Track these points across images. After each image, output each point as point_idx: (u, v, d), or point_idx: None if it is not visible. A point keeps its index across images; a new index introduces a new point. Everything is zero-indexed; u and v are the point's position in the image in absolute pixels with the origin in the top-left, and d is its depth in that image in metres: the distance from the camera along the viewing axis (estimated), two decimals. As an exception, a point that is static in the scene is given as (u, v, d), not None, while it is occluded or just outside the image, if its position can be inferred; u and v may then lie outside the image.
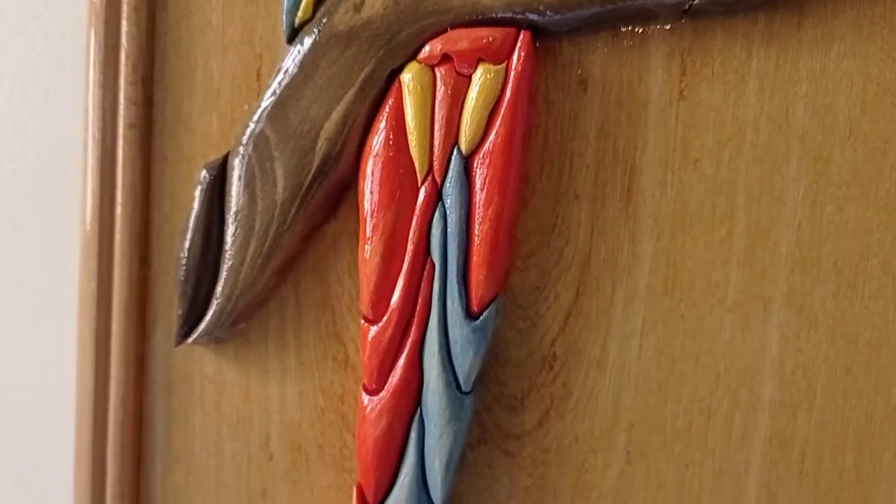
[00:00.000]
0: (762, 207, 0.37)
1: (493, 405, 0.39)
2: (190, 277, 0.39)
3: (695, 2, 0.35)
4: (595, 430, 0.39)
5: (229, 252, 0.38)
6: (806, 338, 0.37)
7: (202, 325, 0.39)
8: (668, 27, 0.37)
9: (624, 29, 0.37)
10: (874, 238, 0.36)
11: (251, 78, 0.39)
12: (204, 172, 0.39)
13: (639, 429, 0.39)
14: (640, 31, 0.37)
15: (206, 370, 0.41)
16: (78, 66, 0.40)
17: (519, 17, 0.36)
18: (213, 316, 0.39)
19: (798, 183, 0.37)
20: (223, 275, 0.38)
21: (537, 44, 0.36)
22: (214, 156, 0.39)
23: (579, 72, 0.37)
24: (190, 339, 0.40)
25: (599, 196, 0.38)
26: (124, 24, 0.39)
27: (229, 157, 0.38)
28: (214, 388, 0.41)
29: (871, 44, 0.36)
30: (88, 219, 0.40)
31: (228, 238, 0.38)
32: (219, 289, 0.38)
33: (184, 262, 0.39)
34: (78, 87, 0.40)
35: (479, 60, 0.36)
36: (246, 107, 0.39)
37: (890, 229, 0.36)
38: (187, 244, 0.39)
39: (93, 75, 0.39)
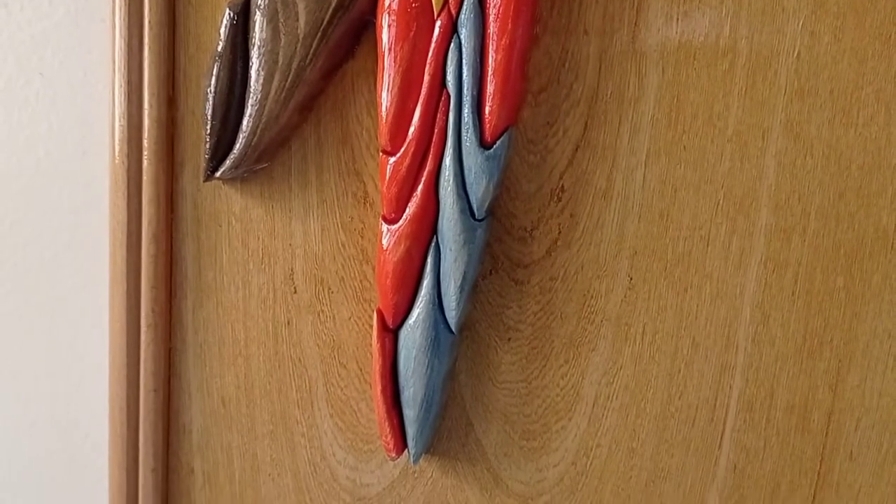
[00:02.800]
0: (763, 38, 0.38)
1: (504, 236, 0.42)
2: (217, 112, 0.41)
3: None
4: (600, 257, 0.41)
5: (254, 86, 0.40)
6: (802, 164, 0.39)
7: (229, 160, 0.41)
8: None
9: None
10: (868, 67, 0.38)
11: (271, -81, 0.41)
12: (228, 11, 0.40)
13: (641, 255, 0.41)
14: None
15: (233, 208, 0.44)
16: None
17: None
18: (239, 150, 0.41)
19: (798, 14, 0.38)
20: (248, 108, 0.40)
21: None
22: (237, -3, 0.41)
23: None
24: (217, 174, 0.42)
25: (608, 31, 0.39)
26: None
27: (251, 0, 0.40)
28: (241, 226, 0.44)
29: None
30: (118, 61, 0.42)
31: (253, 73, 0.40)
32: (244, 122, 0.40)
33: (211, 96, 0.41)
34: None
35: None
36: (267, -52, 0.41)
37: (884, 58, 0.38)
38: (214, 80, 0.40)
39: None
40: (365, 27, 0.40)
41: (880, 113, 0.38)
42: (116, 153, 0.43)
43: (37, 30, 0.46)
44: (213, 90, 0.40)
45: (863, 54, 0.38)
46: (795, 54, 0.38)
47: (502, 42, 0.38)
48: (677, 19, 0.39)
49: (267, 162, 0.42)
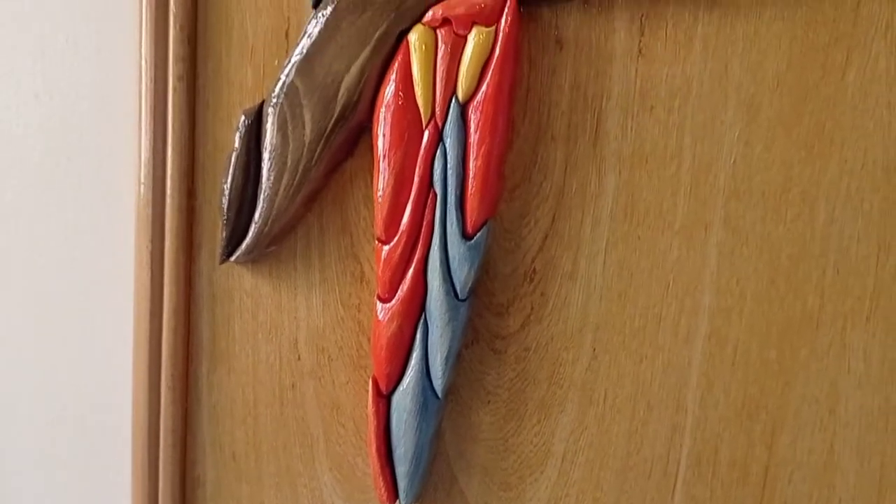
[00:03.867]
0: (704, 147, 0.45)
1: (484, 312, 0.48)
2: (232, 206, 0.46)
3: (650, -24, 0.42)
4: (567, 331, 0.47)
5: (265, 184, 0.46)
6: (739, 254, 0.45)
7: (242, 246, 0.47)
8: (629, -4, 0.44)
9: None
10: (795, 172, 0.44)
11: (281, 37, 0.47)
12: (243, 118, 0.46)
13: (603, 330, 0.47)
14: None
15: (245, 285, 0.49)
16: (131, 26, 0.47)
17: (506, -13, 0.43)
18: (251, 238, 0.47)
19: (734, 126, 0.44)
20: (260, 203, 0.46)
21: (521, 9, 0.44)
22: (250, 104, 0.47)
23: (556, 33, 0.45)
24: (232, 258, 0.48)
25: (572, 138, 0.46)
26: (172, -9, 0.46)
27: (264, 105, 0.46)
28: (251, 300, 0.49)
29: (797, 9, 0.43)
30: (143, 157, 0.48)
31: (264, 173, 0.46)
32: (257, 215, 0.46)
33: (227, 193, 0.46)
34: (131, 44, 0.47)
35: (474, 23, 0.43)
36: (276, 62, 0.47)
37: (807, 164, 0.44)
38: (230, 178, 0.46)
39: (146, 35, 0.46)
40: (363, 131, 0.46)
41: (805, 211, 0.45)
42: (142, 237, 0.48)
43: (63, 118, 0.52)
44: (228, 187, 0.46)
45: (790, 161, 0.44)
46: (732, 160, 0.45)
47: (482, 150, 0.44)
48: (631, 129, 0.45)
49: (275, 246, 0.48)
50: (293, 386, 0.50)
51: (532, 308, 0.47)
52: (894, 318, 0.45)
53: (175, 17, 0.46)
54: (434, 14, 0.44)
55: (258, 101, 0.46)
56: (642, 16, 0.44)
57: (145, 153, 0.48)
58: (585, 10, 0.45)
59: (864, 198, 0.44)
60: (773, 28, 0.44)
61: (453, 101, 0.44)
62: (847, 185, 0.44)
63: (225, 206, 0.46)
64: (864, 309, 0.45)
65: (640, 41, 0.45)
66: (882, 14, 0.43)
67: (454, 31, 0.43)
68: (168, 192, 0.48)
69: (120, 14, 0.50)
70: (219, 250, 0.48)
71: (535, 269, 0.47)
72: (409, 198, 0.45)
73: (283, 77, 0.45)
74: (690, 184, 0.45)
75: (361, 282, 0.48)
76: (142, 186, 0.48)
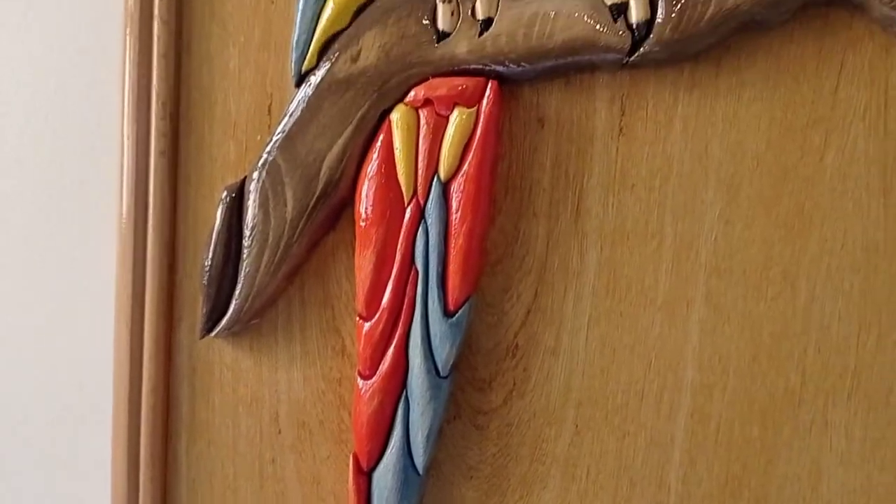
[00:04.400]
0: (685, 225, 0.45)
1: (466, 386, 0.47)
2: (213, 282, 0.46)
3: (630, 59, 0.42)
4: (550, 407, 0.47)
5: (246, 261, 0.46)
6: (721, 331, 0.45)
7: (223, 322, 0.47)
8: (610, 76, 0.44)
9: (574, 77, 0.45)
10: (775, 251, 0.45)
11: (263, 113, 0.47)
12: (225, 193, 0.46)
13: (585, 406, 0.47)
14: (587, 78, 0.45)
15: (225, 359, 0.49)
16: (114, 102, 0.47)
17: (487, 68, 0.43)
18: (232, 314, 0.46)
19: (714, 205, 0.45)
20: (241, 280, 0.46)
21: (503, 88, 0.44)
22: (232, 179, 0.47)
23: (537, 112, 0.45)
24: (212, 334, 0.47)
25: (554, 214, 0.46)
26: (155, 67, 0.46)
27: (246, 182, 0.46)
28: (231, 374, 0.49)
29: (776, 91, 0.44)
30: (125, 232, 0.47)
31: (245, 249, 0.46)
32: (237, 292, 0.46)
33: (208, 269, 0.46)
34: (113, 120, 0.47)
35: (455, 104, 0.43)
36: (259, 137, 0.47)
37: (788, 244, 0.44)
38: (210, 254, 0.46)
39: (128, 110, 0.46)
40: (345, 206, 0.46)
41: (787, 289, 0.45)
42: (122, 312, 0.48)
43: (47, 192, 0.52)
44: (209, 263, 0.46)
45: (770, 240, 0.45)
46: (713, 238, 0.45)
47: (463, 228, 0.44)
48: (613, 206, 0.45)
49: (256, 319, 0.48)
50: (273, 460, 0.49)
51: (514, 383, 0.47)
52: (876, 396, 0.45)
53: (158, 93, 0.46)
54: (416, 95, 0.44)
55: (240, 176, 0.47)
56: (623, 96, 0.45)
57: (126, 228, 0.47)
58: (566, 89, 0.45)
59: (844, 277, 0.44)
60: (752, 109, 0.44)
61: (435, 179, 0.44)
62: (827, 264, 0.44)
63: (206, 283, 0.46)
64: (845, 387, 0.45)
65: (621, 120, 0.45)
66: (860, 97, 0.43)
67: (436, 112, 0.44)
68: (149, 266, 0.48)
69: (102, 89, 0.50)
70: (199, 326, 0.47)
71: (517, 345, 0.47)
72: (390, 275, 0.45)
73: (265, 154, 0.45)
74: (672, 261, 0.45)
75: (343, 355, 0.48)
76: (122, 261, 0.48)
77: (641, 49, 0.42)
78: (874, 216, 0.44)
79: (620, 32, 0.42)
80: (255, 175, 0.45)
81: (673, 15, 0.41)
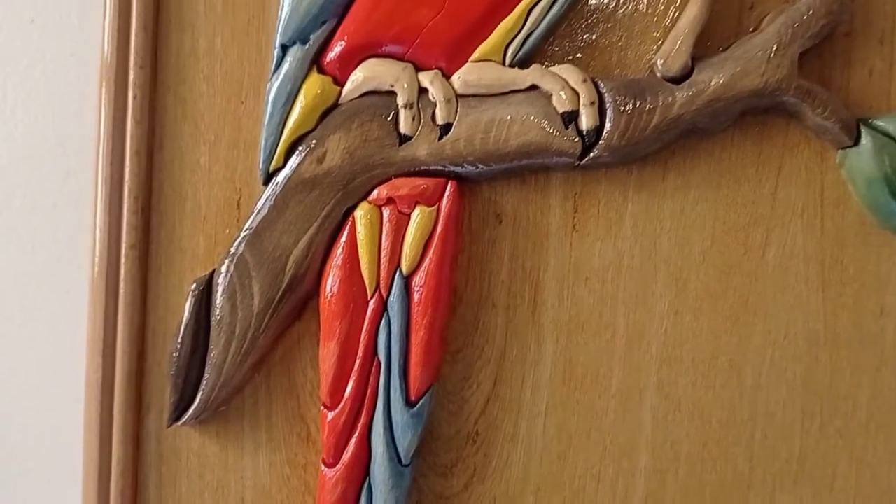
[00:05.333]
0: (637, 316, 0.47)
1: (428, 472, 0.49)
2: (181, 373, 0.47)
3: (581, 162, 0.45)
4: (509, 492, 0.48)
5: (213, 352, 0.47)
6: (672, 418, 0.47)
7: (190, 411, 0.48)
8: (563, 175, 0.47)
9: (530, 176, 0.47)
10: (722, 341, 0.47)
11: (232, 207, 0.49)
12: (194, 286, 0.47)
13: (544, 491, 0.48)
14: (543, 177, 0.47)
15: (192, 445, 0.50)
16: (87, 194, 0.49)
17: (448, 169, 0.46)
18: (199, 404, 0.48)
19: (664, 298, 0.47)
20: (208, 370, 0.47)
21: (463, 185, 0.46)
22: (201, 270, 0.48)
23: (495, 208, 0.47)
24: (180, 423, 0.48)
25: (512, 305, 0.48)
26: (128, 164, 0.48)
27: (215, 275, 0.47)
28: (198, 460, 0.50)
29: (720, 191, 0.46)
30: (96, 321, 0.48)
31: (213, 341, 0.47)
32: (204, 382, 0.47)
33: (176, 359, 0.47)
34: (86, 212, 0.49)
35: (417, 203, 0.45)
36: (227, 231, 0.48)
37: (734, 334, 0.47)
38: (179, 345, 0.47)
39: (100, 204, 0.48)
40: (310, 298, 0.48)
41: (733, 378, 0.47)
42: (91, 400, 0.49)
43: (20, 278, 0.53)
44: (177, 354, 0.47)
45: (717, 331, 0.47)
46: (663, 329, 0.47)
47: (425, 320, 0.46)
48: (568, 298, 0.47)
49: (223, 407, 0.49)
50: (239, 545, 0.50)
51: (475, 469, 0.49)
52: (821, 481, 0.47)
53: (130, 188, 0.48)
54: (379, 193, 0.46)
55: (209, 268, 0.48)
56: (576, 194, 0.47)
57: (97, 316, 0.48)
58: (523, 187, 0.47)
59: (787, 367, 0.46)
60: (697, 208, 0.46)
61: (397, 273, 0.46)
62: (771, 354, 0.46)
63: (174, 373, 0.47)
64: (791, 472, 0.47)
65: (575, 217, 0.47)
66: (798, 197, 0.46)
67: (398, 210, 0.46)
68: (118, 353, 0.49)
69: (77, 181, 0.51)
70: (166, 414, 0.48)
71: (477, 431, 0.48)
72: (353, 366, 0.46)
73: (233, 250, 0.47)
74: (625, 351, 0.47)
75: (308, 442, 0.49)
76: (93, 347, 0.49)
77: (591, 154, 0.44)
78: (814, 309, 0.46)
79: (572, 138, 0.44)
80: (224, 269, 0.47)
81: (621, 123, 0.44)
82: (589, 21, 0.46)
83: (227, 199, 0.48)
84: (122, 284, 0.48)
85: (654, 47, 0.46)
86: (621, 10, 0.46)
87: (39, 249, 0.52)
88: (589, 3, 0.46)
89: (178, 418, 0.48)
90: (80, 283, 0.50)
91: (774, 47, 0.43)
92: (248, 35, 0.48)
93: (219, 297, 0.47)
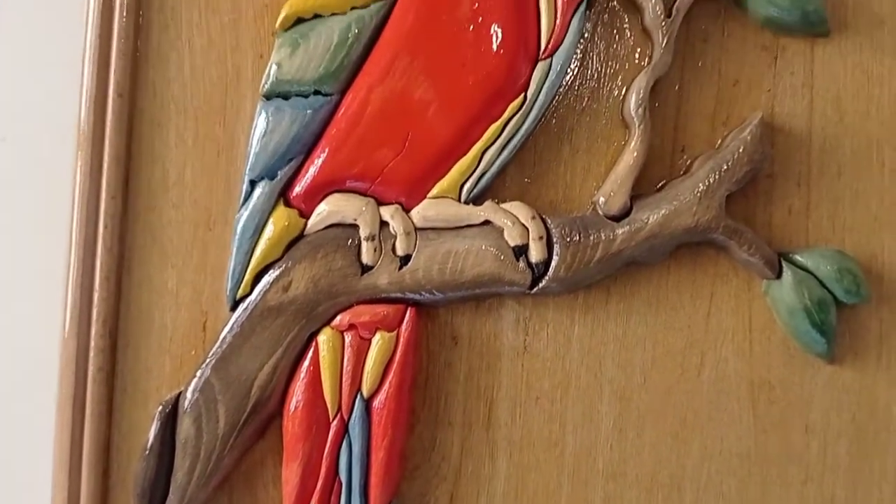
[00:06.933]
0: (584, 433, 0.50)
1: (387, 586, 0.50)
2: (146, 493, 0.48)
3: (531, 291, 0.48)
4: None
5: (178, 473, 0.48)
6: (619, 531, 0.50)
7: (154, 534, 0.49)
8: (514, 300, 0.50)
9: (484, 300, 0.50)
10: (663, 456, 0.50)
11: (198, 329, 0.50)
12: (160, 408, 0.49)
13: None
14: (496, 301, 0.50)
15: (153, 558, 0.51)
16: (56, 319, 0.50)
17: (407, 296, 0.48)
18: (163, 525, 0.49)
19: (609, 416, 0.50)
20: (172, 491, 0.48)
21: (420, 311, 0.49)
22: (167, 390, 0.50)
23: (451, 330, 0.50)
24: (142, 547, 0.49)
25: (467, 424, 0.50)
26: (97, 288, 0.49)
27: (181, 398, 0.49)
28: (160, 576, 0.51)
29: (658, 316, 0.50)
30: (62, 438, 0.49)
31: (177, 462, 0.48)
32: (168, 502, 0.48)
33: (141, 479, 0.48)
34: (55, 334, 0.50)
35: (377, 329, 0.48)
36: (193, 352, 0.50)
37: (674, 450, 0.50)
38: (143, 467, 0.48)
39: (69, 328, 0.49)
40: (273, 419, 0.50)
41: (674, 492, 0.50)
42: (53, 517, 0.49)
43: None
44: (142, 475, 0.48)
45: (659, 447, 0.50)
46: (609, 446, 0.50)
47: (384, 442, 0.48)
48: (520, 417, 0.50)
49: (186, 524, 0.50)
50: None
51: (432, 582, 0.51)
52: (756, 589, 0.50)
53: (98, 312, 0.49)
54: (342, 320, 0.48)
55: (175, 388, 0.49)
56: (526, 318, 0.50)
57: (64, 434, 0.49)
58: (477, 311, 0.50)
59: (722, 480, 0.50)
60: (638, 332, 0.50)
61: (358, 396, 0.48)
62: (708, 469, 0.50)
63: (139, 493, 0.48)
64: (729, 579, 0.50)
65: (525, 339, 0.50)
66: (728, 323, 0.50)
67: (360, 335, 0.48)
68: (84, 472, 0.49)
69: (46, 307, 0.52)
70: (130, 538, 0.49)
71: (435, 545, 0.51)
72: (316, 486, 0.48)
73: (199, 373, 0.48)
74: (573, 466, 0.50)
75: (271, 558, 0.51)
76: (59, 466, 0.49)
77: (540, 284, 0.48)
78: (745, 426, 0.50)
79: (522, 270, 0.48)
80: (190, 393, 0.48)
81: (567, 257, 0.48)
82: (537, 159, 0.50)
83: (194, 322, 0.50)
84: (88, 405, 0.49)
85: (597, 182, 0.50)
86: (566, 149, 0.50)
87: (12, 373, 0.53)
88: (537, 143, 0.50)
89: (140, 541, 0.49)
90: (48, 404, 0.50)
91: (704, 190, 0.48)
92: (217, 166, 0.50)
93: (184, 420, 0.48)
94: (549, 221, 0.48)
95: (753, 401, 0.50)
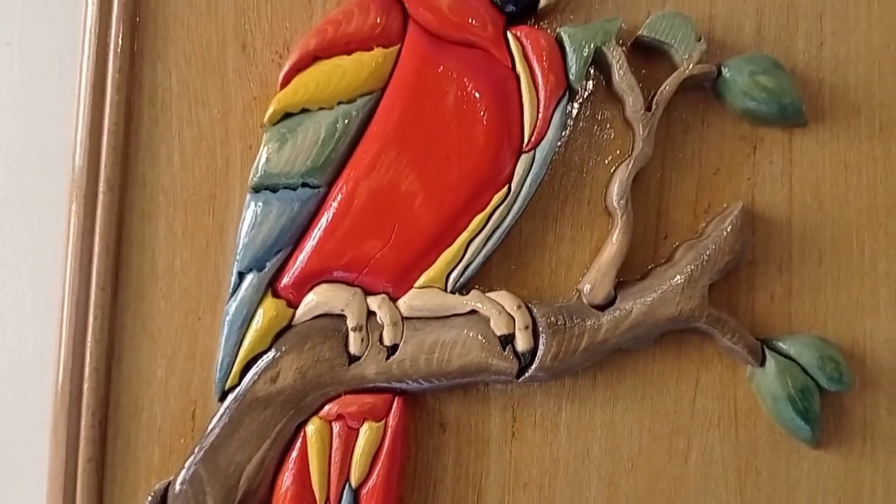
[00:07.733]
0: (572, 526, 0.50)
1: None
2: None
3: (518, 380, 0.49)
4: None
5: (167, 567, 0.48)
6: None
7: None
8: (502, 387, 0.50)
9: (471, 387, 0.51)
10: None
11: (187, 418, 0.51)
12: (149, 499, 0.49)
13: None
14: (483, 389, 0.51)
15: None
16: (45, 410, 0.50)
17: (394, 386, 0.49)
18: None
19: (597, 502, 0.50)
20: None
21: (407, 399, 0.49)
22: (156, 479, 0.50)
23: (439, 417, 0.51)
24: None
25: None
26: (86, 379, 0.50)
27: (169, 489, 0.49)
28: None
29: (644, 402, 0.51)
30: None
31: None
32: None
33: (129, 573, 0.48)
34: (45, 429, 0.50)
35: (365, 418, 0.48)
36: (182, 441, 0.50)
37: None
38: (132, 560, 0.48)
39: (59, 420, 0.49)
40: None
41: (662, 578, 0.50)
42: None
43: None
44: (131, 569, 0.48)
45: (646, 532, 0.50)
46: (597, 532, 0.50)
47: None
48: (508, 503, 0.50)
49: None
50: None
51: None
52: None
53: (88, 403, 0.50)
54: (330, 410, 0.48)
55: (164, 477, 0.50)
56: (514, 405, 0.51)
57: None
58: (465, 398, 0.51)
59: (711, 565, 0.50)
60: (625, 418, 0.50)
61: (347, 486, 0.48)
62: (696, 555, 0.50)
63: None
64: None
65: (513, 426, 0.51)
66: (714, 408, 0.50)
67: (348, 425, 0.48)
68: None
69: (32, 399, 0.53)
70: None
71: None
72: (304, 578, 0.48)
73: (187, 464, 0.48)
74: (561, 555, 0.50)
75: None
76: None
77: (527, 373, 0.48)
78: (731, 510, 0.50)
79: (509, 359, 0.48)
80: (178, 484, 0.48)
81: (553, 346, 0.48)
82: (522, 247, 0.51)
83: (183, 411, 0.51)
84: (78, 496, 0.49)
85: (582, 270, 0.51)
86: (550, 237, 0.51)
87: (2, 464, 0.54)
88: (522, 230, 0.51)
89: None
90: (39, 495, 0.50)
91: (687, 280, 0.48)
92: (206, 257, 0.51)
93: (173, 513, 0.48)
94: (534, 310, 0.49)
95: (741, 486, 0.50)
